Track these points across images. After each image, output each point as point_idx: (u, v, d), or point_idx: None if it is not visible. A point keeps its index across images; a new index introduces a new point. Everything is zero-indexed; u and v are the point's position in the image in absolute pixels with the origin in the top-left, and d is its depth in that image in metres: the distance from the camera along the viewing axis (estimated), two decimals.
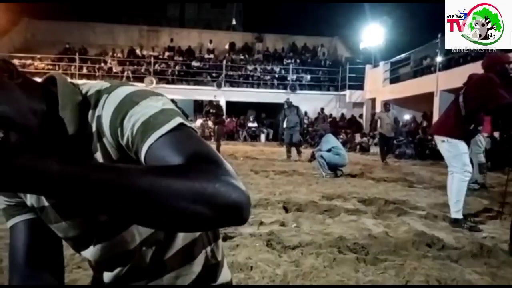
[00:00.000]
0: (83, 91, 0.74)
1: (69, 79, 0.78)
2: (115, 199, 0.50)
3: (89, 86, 0.75)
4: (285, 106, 10.24)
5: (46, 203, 0.79)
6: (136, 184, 0.50)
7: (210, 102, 11.13)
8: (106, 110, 0.69)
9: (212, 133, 17.60)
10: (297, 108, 10.09)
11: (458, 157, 3.44)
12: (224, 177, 0.54)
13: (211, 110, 10.50)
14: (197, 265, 0.86)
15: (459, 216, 3.44)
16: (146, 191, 0.50)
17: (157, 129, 0.62)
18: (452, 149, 3.49)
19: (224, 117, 11.01)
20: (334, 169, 6.80)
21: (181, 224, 0.55)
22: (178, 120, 0.64)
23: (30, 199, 0.82)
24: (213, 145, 9.32)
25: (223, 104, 15.66)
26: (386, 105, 10.30)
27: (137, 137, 0.64)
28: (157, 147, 0.61)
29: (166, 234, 0.81)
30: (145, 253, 0.81)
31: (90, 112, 0.71)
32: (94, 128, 0.71)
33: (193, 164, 0.57)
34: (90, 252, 0.83)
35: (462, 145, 3.46)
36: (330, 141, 7.04)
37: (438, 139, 3.65)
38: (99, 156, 0.72)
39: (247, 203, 0.54)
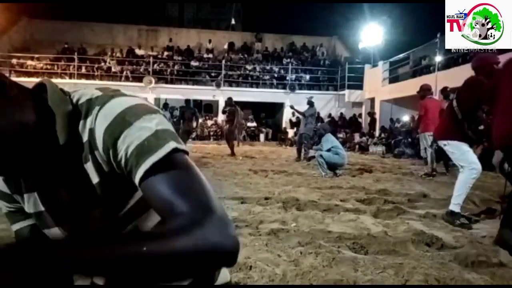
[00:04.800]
0: (74, 99, 0.74)
1: (62, 81, 0.79)
2: (111, 267, 0.53)
3: (80, 94, 0.75)
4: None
5: (42, 208, 0.80)
6: (141, 252, 0.54)
7: (229, 99, 10.84)
8: (98, 125, 0.69)
9: (210, 133, 17.67)
10: (308, 107, 9.72)
11: (463, 156, 3.56)
12: (217, 230, 0.59)
13: (227, 109, 10.44)
14: None
15: (457, 209, 3.51)
16: (150, 258, 0.54)
17: (151, 154, 0.64)
18: (454, 150, 3.62)
19: (236, 119, 10.63)
20: (333, 168, 6.81)
21: (181, 278, 0.63)
22: (172, 145, 0.66)
23: (27, 205, 0.82)
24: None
25: (222, 103, 15.64)
26: (444, 91, 7.52)
27: (130, 160, 0.65)
28: (151, 177, 0.64)
29: None
30: None
31: (81, 122, 0.71)
32: (85, 138, 0.71)
33: (188, 218, 0.59)
34: None
35: (463, 146, 3.57)
36: (330, 140, 7.04)
37: (440, 143, 3.83)
38: (90, 166, 0.72)
39: (238, 250, 0.61)
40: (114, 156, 0.67)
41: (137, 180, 0.65)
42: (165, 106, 14.43)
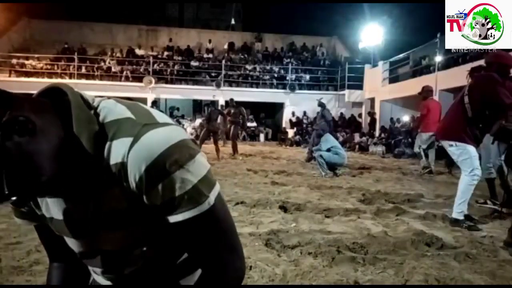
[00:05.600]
0: (100, 117, 0.70)
1: (62, 81, 0.77)
2: None
3: (107, 110, 0.71)
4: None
5: (52, 215, 0.79)
6: None
7: (231, 100, 11.11)
8: (134, 163, 0.66)
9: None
10: (321, 110, 9.76)
11: (468, 161, 3.42)
12: (242, 271, 0.78)
13: (231, 110, 10.64)
14: (198, 274, 0.86)
15: (460, 217, 3.44)
16: None
17: (189, 208, 0.69)
18: (461, 153, 3.45)
19: (244, 120, 11.01)
20: (333, 168, 6.81)
21: None
22: (211, 200, 0.72)
23: (42, 208, 0.82)
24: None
25: (222, 103, 15.65)
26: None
27: (168, 206, 0.69)
28: (186, 225, 0.71)
29: (169, 254, 0.81)
30: (145, 269, 0.81)
31: (108, 143, 0.68)
32: (113, 162, 0.67)
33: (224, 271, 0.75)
34: (88, 262, 0.84)
35: (471, 149, 3.42)
36: (329, 140, 7.04)
37: (446, 143, 3.61)
38: (117, 192, 0.70)
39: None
40: (148, 197, 0.68)
41: (170, 220, 0.70)
42: (154, 103, 14.80)
